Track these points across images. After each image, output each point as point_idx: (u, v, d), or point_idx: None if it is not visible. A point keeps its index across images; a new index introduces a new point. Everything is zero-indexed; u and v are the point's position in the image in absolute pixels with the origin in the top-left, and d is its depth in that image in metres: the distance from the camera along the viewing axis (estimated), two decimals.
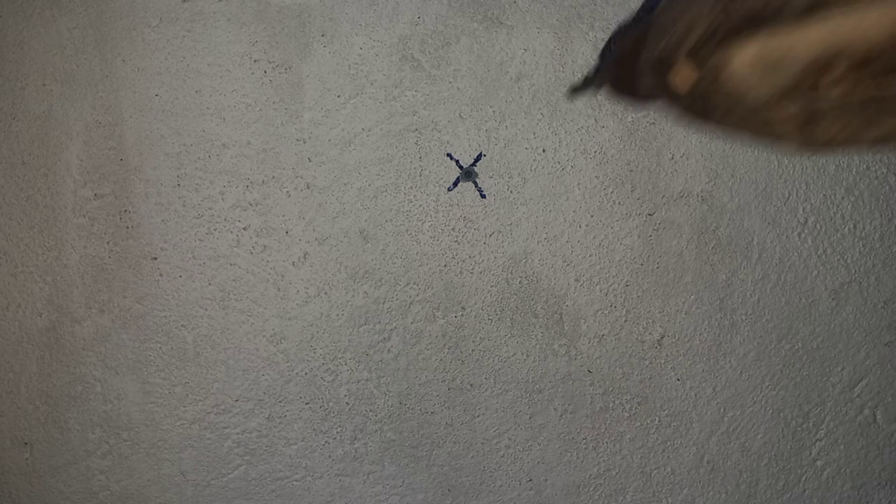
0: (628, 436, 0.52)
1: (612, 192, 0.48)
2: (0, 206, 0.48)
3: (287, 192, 0.48)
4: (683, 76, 0.24)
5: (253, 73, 0.47)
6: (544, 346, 0.50)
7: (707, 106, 0.24)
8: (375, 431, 0.51)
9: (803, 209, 0.49)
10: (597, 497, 0.52)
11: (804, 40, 0.18)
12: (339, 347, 0.50)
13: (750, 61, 0.20)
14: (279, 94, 0.47)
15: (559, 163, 0.48)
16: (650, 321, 0.50)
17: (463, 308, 0.50)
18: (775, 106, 0.21)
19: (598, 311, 0.50)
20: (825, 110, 0.20)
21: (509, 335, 0.50)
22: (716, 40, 0.21)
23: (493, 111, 0.47)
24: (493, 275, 0.49)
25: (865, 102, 0.19)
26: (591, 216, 0.49)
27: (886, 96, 0.19)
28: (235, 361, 0.50)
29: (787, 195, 0.48)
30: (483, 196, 0.48)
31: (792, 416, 0.52)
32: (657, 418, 0.52)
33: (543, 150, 0.48)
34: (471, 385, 0.51)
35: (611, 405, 0.51)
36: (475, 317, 0.50)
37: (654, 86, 0.26)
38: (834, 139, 0.21)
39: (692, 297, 0.50)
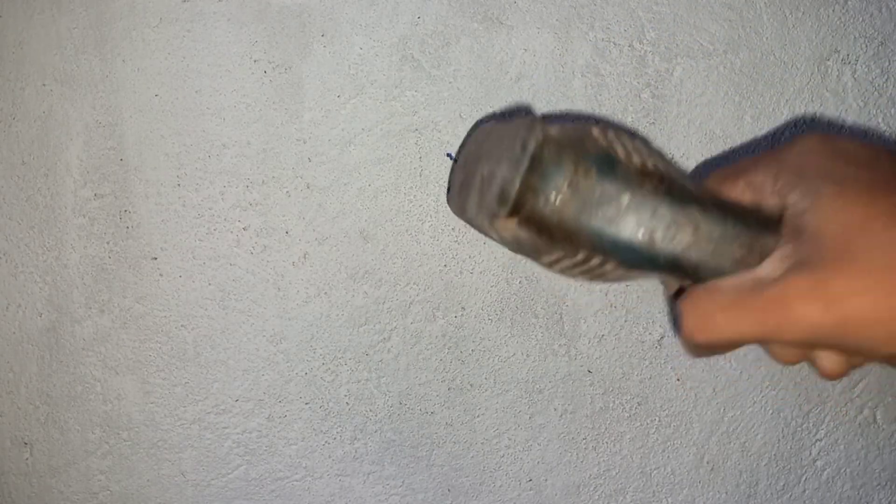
0: (628, 436, 0.52)
1: None
2: (0, 206, 0.48)
3: (287, 192, 0.48)
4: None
5: (253, 73, 0.47)
6: (544, 346, 0.50)
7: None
8: (375, 431, 0.51)
9: None
10: (597, 497, 0.52)
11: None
12: (339, 347, 0.50)
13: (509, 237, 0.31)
14: (279, 94, 0.47)
15: None
16: (650, 321, 0.50)
17: (463, 308, 0.50)
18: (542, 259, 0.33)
19: (598, 311, 0.50)
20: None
21: (509, 335, 0.50)
22: (459, 210, 0.36)
23: (493, 111, 0.47)
24: (493, 275, 0.49)
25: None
26: None
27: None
28: (235, 361, 0.50)
29: None
30: None
31: (792, 416, 0.52)
32: (657, 418, 0.52)
33: None
34: (471, 385, 0.51)
35: (611, 405, 0.51)
36: (475, 317, 0.50)
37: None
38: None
39: None
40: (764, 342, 0.27)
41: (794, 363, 0.30)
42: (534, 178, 0.29)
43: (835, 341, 0.25)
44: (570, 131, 0.30)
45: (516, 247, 0.32)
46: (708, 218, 0.28)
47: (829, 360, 0.29)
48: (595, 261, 0.30)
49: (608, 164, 0.29)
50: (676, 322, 0.30)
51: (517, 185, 0.29)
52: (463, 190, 0.37)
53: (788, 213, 0.27)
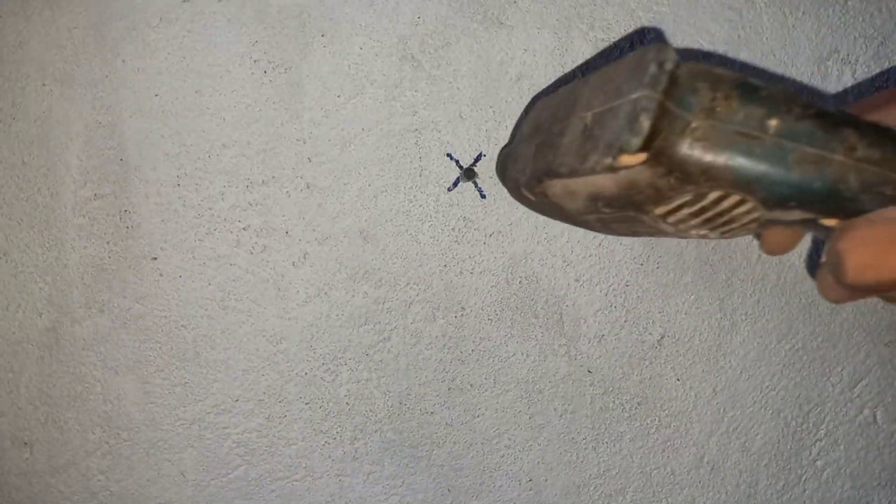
0: (628, 436, 0.52)
1: None
2: (0, 206, 0.48)
3: (287, 192, 0.48)
4: (526, 196, 0.37)
5: (253, 73, 0.47)
6: (544, 346, 0.50)
7: (548, 210, 0.37)
8: (375, 431, 0.51)
9: None
10: (597, 497, 0.52)
11: (580, 184, 0.29)
12: (339, 347, 0.50)
13: (558, 192, 0.32)
14: (279, 94, 0.47)
15: None
16: (650, 321, 0.50)
17: (463, 308, 0.50)
18: (581, 216, 0.33)
19: (598, 311, 0.50)
20: (605, 220, 0.32)
21: (509, 335, 0.50)
22: (536, 179, 0.33)
23: (493, 111, 0.47)
24: (493, 275, 0.49)
25: (611, 220, 0.32)
26: None
27: (618, 218, 0.31)
28: (235, 361, 0.50)
29: None
30: (483, 196, 0.48)
31: (792, 416, 0.52)
32: (657, 418, 0.52)
33: None
34: (471, 385, 0.51)
35: (611, 405, 0.51)
36: (475, 317, 0.50)
37: (516, 193, 0.39)
38: (614, 231, 0.34)
39: (692, 297, 0.50)
40: None
41: None
42: (670, 103, 0.25)
43: None
44: (694, 64, 0.26)
45: (624, 197, 0.28)
46: (865, 139, 0.25)
47: None
48: (730, 201, 0.26)
49: (750, 88, 0.26)
50: (827, 263, 0.27)
51: (654, 108, 0.25)
52: (542, 154, 0.33)
53: None
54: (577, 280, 0.49)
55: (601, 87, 0.29)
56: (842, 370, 0.51)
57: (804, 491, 0.53)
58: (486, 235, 0.49)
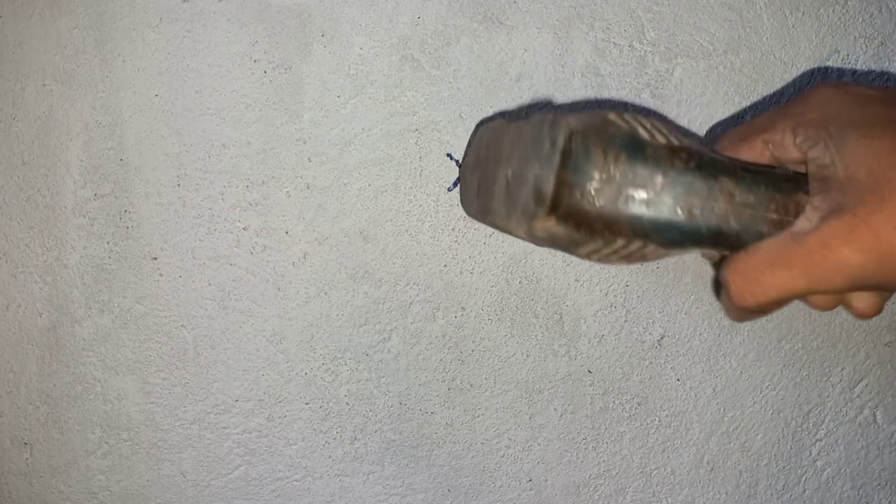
0: (628, 436, 0.52)
1: None
2: (0, 206, 0.48)
3: (287, 192, 0.48)
4: (477, 219, 0.41)
5: (253, 73, 0.47)
6: (544, 346, 0.50)
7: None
8: (375, 431, 0.51)
9: None
10: (597, 497, 0.52)
11: (514, 231, 0.33)
12: (339, 347, 0.50)
13: (500, 227, 0.36)
14: (279, 94, 0.47)
15: None
16: (650, 321, 0.50)
17: (463, 308, 0.50)
18: (525, 240, 0.35)
19: (598, 311, 0.50)
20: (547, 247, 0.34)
21: (509, 335, 0.50)
22: (481, 214, 0.38)
23: (493, 111, 0.47)
24: (493, 275, 0.49)
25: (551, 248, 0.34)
26: None
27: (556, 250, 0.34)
28: (235, 361, 0.50)
29: None
30: None
31: (792, 416, 0.52)
32: (657, 418, 0.52)
33: None
34: (471, 385, 0.51)
35: (611, 405, 0.51)
36: (475, 317, 0.50)
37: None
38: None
39: (692, 297, 0.50)
40: (810, 293, 0.28)
41: (831, 309, 0.32)
42: (567, 173, 0.29)
43: (879, 279, 0.26)
44: (589, 119, 0.30)
45: (550, 243, 0.32)
46: (741, 186, 0.29)
47: (864, 300, 0.31)
48: (635, 245, 0.30)
49: (636, 147, 0.29)
50: (720, 291, 0.32)
51: (553, 182, 0.29)
52: (483, 193, 0.37)
53: (813, 167, 0.28)
54: (577, 280, 0.49)
55: (517, 145, 0.34)
56: (842, 370, 0.51)
57: (804, 491, 0.53)
58: (486, 235, 0.49)
